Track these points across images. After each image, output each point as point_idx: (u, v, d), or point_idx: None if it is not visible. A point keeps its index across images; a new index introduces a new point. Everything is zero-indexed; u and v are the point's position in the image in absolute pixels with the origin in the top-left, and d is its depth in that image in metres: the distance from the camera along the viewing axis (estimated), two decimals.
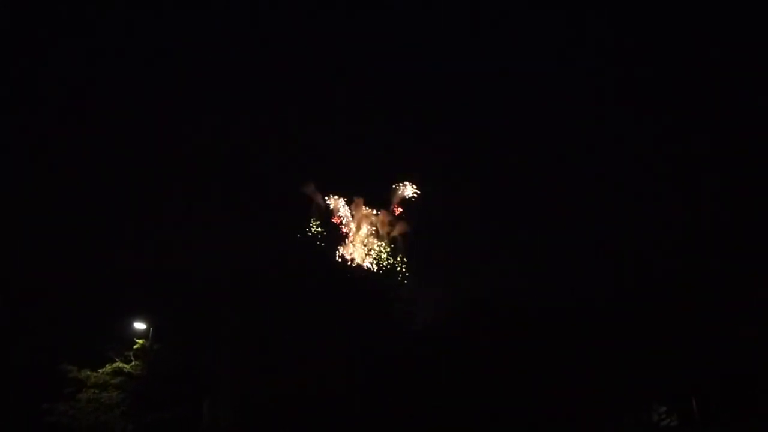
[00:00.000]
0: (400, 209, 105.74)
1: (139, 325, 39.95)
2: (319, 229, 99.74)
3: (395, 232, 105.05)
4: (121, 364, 39.41)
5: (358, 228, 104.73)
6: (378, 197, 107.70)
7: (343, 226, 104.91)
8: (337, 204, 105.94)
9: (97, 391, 38.48)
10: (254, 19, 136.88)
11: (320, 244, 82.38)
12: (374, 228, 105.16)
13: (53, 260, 43.91)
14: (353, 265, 49.67)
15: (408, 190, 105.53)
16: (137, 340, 39.94)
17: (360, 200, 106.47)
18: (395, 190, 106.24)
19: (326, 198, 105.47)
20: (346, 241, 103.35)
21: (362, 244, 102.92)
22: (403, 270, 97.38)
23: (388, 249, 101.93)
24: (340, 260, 50.69)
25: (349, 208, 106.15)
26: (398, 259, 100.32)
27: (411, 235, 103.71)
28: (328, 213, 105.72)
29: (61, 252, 44.50)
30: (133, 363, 39.69)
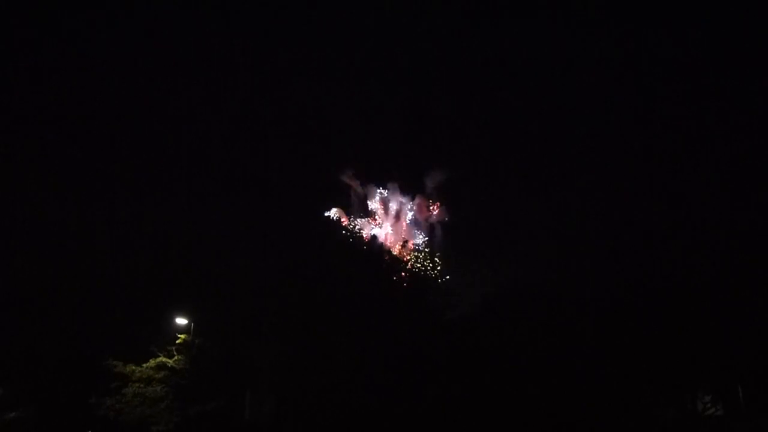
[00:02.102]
0: (437, 195, 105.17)
1: (181, 321, 40.60)
2: (358, 221, 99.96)
3: (433, 218, 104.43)
4: (164, 359, 40.14)
5: (397, 217, 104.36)
6: (413, 183, 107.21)
7: (379, 213, 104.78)
8: (374, 191, 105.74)
9: (142, 386, 39.34)
10: (290, 12, 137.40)
11: (358, 233, 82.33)
12: (411, 214, 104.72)
13: (99, 258, 44.93)
14: (390, 254, 49.59)
15: (443, 175, 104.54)
16: (179, 335, 40.63)
17: (395, 186, 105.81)
18: (430, 175, 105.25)
19: (364, 186, 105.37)
20: (383, 228, 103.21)
21: (399, 232, 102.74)
22: (440, 259, 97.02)
23: (426, 237, 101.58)
24: (376, 249, 50.61)
25: (386, 194, 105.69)
26: (436, 247, 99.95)
27: (449, 222, 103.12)
28: (365, 200, 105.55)
29: (106, 249, 45.53)
30: (175, 357, 40.37)
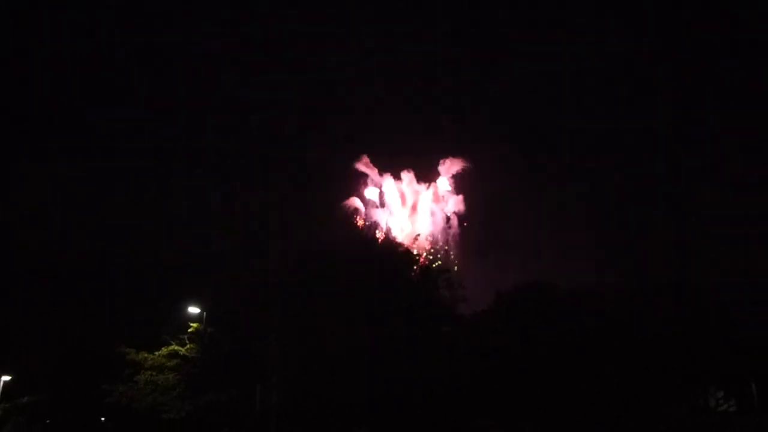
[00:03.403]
0: (453, 186, 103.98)
1: (194, 309, 40.80)
2: (374, 211, 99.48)
3: (449, 209, 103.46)
4: (176, 347, 40.36)
5: (413, 208, 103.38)
6: (428, 172, 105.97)
7: (395, 203, 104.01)
8: (391, 180, 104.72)
9: (154, 373, 39.61)
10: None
11: (372, 225, 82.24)
12: (426, 204, 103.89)
13: (112, 247, 45.37)
14: (403, 246, 49.34)
15: (457, 165, 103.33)
16: (191, 324, 40.82)
17: (411, 175, 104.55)
18: (445, 165, 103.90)
19: (381, 175, 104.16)
20: (399, 219, 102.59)
21: (415, 222, 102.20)
22: (455, 251, 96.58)
23: (441, 228, 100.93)
24: (389, 241, 50.47)
25: (402, 184, 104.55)
26: (451, 238, 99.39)
27: (464, 213, 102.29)
28: (382, 189, 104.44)
29: (119, 239, 45.96)
30: (188, 346, 40.57)
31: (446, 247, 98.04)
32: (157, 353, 40.08)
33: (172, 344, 40.44)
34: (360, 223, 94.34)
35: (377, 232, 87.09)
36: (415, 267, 46.57)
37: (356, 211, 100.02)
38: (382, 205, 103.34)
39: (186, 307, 40.78)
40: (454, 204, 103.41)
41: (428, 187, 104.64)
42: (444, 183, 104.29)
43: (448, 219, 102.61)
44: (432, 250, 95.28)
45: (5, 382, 40.98)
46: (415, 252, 47.78)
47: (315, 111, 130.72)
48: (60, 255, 44.45)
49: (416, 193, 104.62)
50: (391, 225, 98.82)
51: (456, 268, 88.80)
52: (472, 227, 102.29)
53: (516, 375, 39.59)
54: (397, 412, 37.42)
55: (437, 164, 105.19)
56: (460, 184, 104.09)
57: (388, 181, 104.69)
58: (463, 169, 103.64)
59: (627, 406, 40.10)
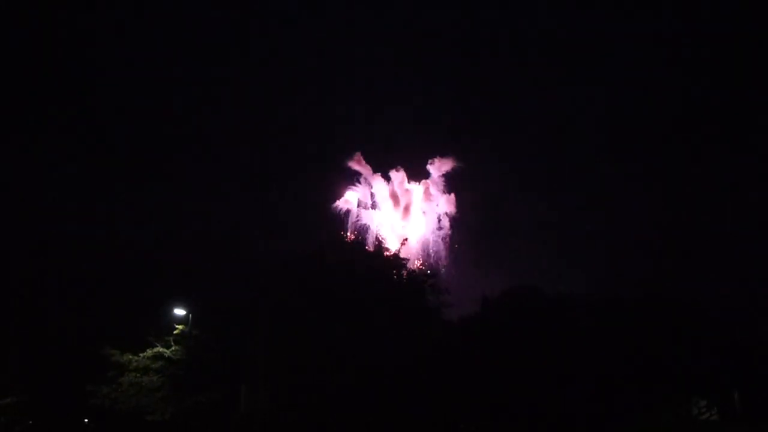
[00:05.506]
0: (444, 185, 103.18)
1: (179, 311, 40.80)
2: (364, 213, 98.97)
3: (439, 210, 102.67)
4: (161, 349, 40.32)
5: (404, 209, 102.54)
6: (419, 171, 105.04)
7: (386, 204, 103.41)
8: (380, 180, 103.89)
9: (138, 375, 39.56)
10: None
11: (362, 226, 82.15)
12: (417, 206, 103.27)
13: (97, 247, 45.21)
14: (390, 250, 49.19)
15: (447, 164, 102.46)
16: (177, 326, 40.79)
17: (402, 174, 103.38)
18: (435, 164, 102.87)
19: (374, 173, 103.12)
20: (389, 219, 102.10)
21: (405, 224, 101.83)
22: (445, 254, 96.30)
23: (432, 229, 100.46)
24: (378, 244, 50.40)
25: (394, 184, 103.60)
26: (441, 241, 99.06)
27: (455, 215, 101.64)
28: (372, 188, 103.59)
29: (104, 239, 45.82)
30: (173, 348, 40.55)
31: (437, 256, 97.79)
32: (141, 355, 40.00)
33: (157, 346, 40.38)
34: (350, 227, 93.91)
35: (367, 234, 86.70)
36: (403, 271, 46.55)
37: (347, 212, 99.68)
38: (373, 206, 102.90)
39: (172, 309, 40.78)
40: (445, 205, 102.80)
41: (419, 185, 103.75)
42: (434, 183, 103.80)
43: (438, 221, 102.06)
44: (421, 254, 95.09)
45: None
46: (402, 256, 47.60)
47: (308, 110, 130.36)
48: (43, 252, 44.35)
49: (407, 193, 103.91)
50: (381, 227, 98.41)
51: (444, 272, 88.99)
52: (463, 229, 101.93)
53: (504, 378, 39.75)
54: (388, 412, 37.52)
55: (428, 163, 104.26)
56: (451, 184, 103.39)
57: (378, 180, 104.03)
58: (453, 169, 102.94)
59: (610, 414, 40.27)
